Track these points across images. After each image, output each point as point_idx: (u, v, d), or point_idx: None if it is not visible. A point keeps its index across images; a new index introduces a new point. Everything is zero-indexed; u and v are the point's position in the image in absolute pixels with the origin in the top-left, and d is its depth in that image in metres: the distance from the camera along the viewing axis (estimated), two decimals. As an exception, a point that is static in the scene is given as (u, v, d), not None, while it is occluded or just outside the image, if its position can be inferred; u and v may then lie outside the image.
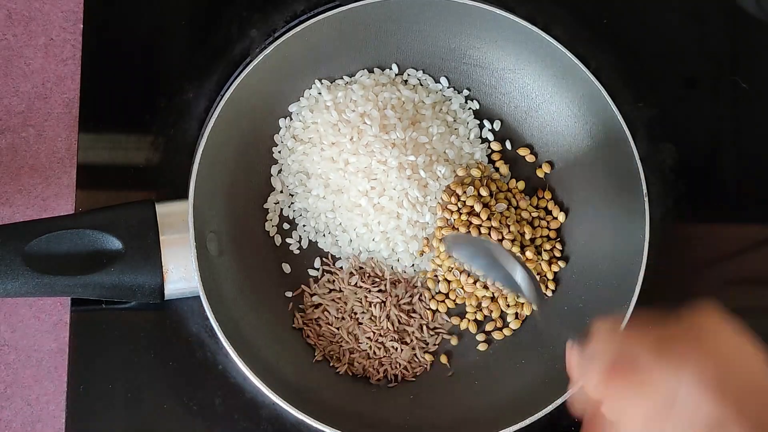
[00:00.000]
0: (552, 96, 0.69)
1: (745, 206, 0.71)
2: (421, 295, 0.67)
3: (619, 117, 0.65)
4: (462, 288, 0.66)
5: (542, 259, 0.67)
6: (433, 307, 0.67)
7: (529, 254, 0.66)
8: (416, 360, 0.66)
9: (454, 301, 0.67)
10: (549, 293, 0.68)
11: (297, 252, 0.68)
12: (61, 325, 0.64)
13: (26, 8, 0.70)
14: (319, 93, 0.69)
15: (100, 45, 0.70)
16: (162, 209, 0.61)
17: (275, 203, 0.68)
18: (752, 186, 0.71)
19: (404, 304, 0.66)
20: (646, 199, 0.64)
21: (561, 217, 0.68)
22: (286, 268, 0.67)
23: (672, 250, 0.68)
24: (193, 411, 0.63)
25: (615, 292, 0.64)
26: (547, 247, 0.68)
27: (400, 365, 0.65)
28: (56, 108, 0.69)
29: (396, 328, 0.66)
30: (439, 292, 0.67)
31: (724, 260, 0.69)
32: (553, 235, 0.68)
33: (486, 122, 0.70)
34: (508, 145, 0.70)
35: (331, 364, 0.65)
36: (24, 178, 0.67)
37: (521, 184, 0.69)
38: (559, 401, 0.60)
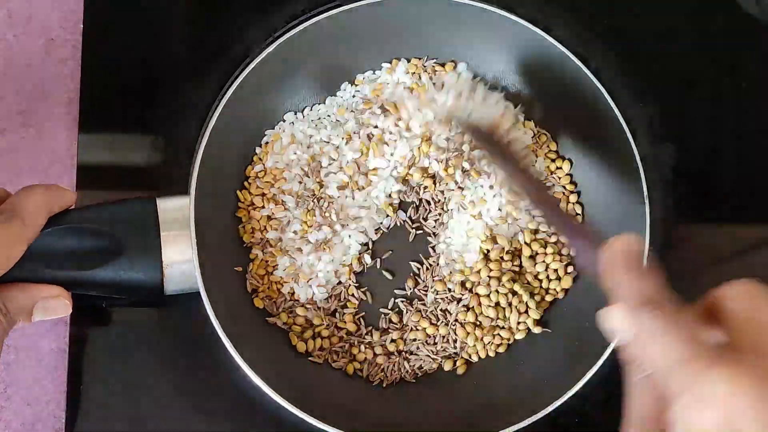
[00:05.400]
0: (551, 96, 0.69)
1: (745, 206, 0.71)
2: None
3: (620, 117, 0.65)
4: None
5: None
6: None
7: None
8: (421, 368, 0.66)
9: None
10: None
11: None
12: (61, 325, 0.64)
13: (26, 8, 0.70)
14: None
15: (100, 45, 0.70)
16: (163, 205, 0.60)
17: (275, 203, 0.68)
18: (752, 186, 0.71)
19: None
20: (646, 199, 0.64)
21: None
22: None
23: (672, 250, 0.68)
24: (193, 409, 0.63)
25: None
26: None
27: (402, 371, 0.65)
28: (56, 108, 0.69)
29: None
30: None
31: (724, 261, 0.69)
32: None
33: (486, 122, 0.70)
34: (507, 145, 0.70)
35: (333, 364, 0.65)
36: (24, 178, 0.67)
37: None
38: (558, 402, 0.60)
